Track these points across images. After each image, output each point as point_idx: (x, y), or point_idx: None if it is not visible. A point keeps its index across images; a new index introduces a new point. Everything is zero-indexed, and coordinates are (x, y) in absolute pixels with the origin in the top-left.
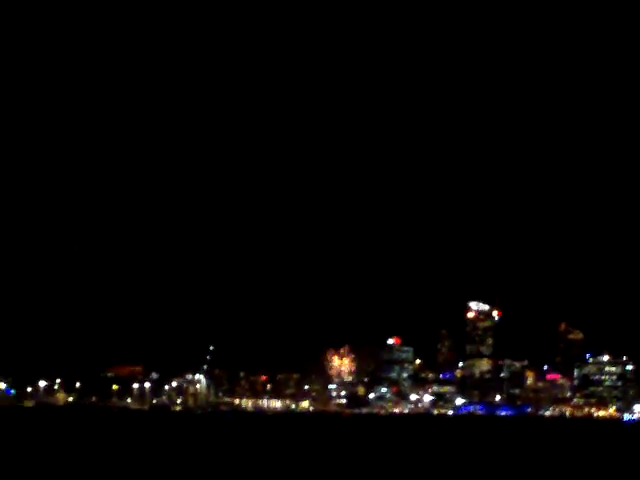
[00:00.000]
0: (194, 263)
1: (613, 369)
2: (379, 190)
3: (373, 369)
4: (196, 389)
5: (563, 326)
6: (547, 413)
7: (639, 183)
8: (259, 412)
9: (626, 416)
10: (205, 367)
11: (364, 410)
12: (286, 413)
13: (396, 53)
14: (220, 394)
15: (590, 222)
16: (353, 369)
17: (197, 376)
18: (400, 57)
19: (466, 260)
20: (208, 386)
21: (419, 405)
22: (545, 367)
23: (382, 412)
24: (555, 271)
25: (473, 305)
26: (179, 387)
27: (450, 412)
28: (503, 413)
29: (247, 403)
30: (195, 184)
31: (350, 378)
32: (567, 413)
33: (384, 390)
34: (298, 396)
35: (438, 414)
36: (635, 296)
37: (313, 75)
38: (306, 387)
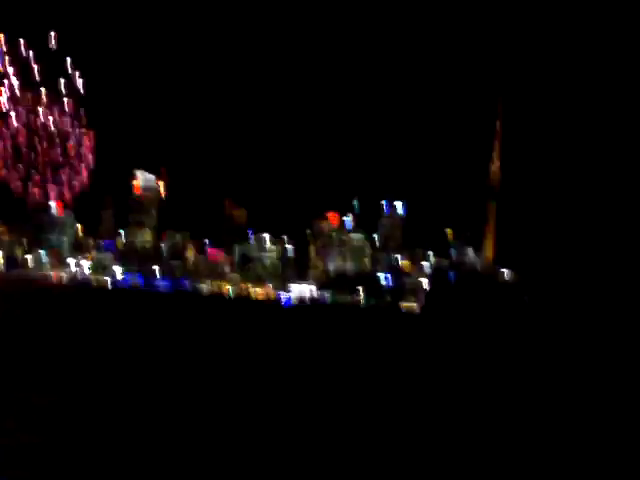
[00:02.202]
0: None
1: (272, 248)
2: None
3: (32, 231)
4: None
5: (227, 203)
6: (204, 286)
7: None
8: None
9: (282, 295)
10: None
11: (21, 271)
12: None
13: None
14: None
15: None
16: (7, 230)
17: None
18: None
19: (133, 129)
20: None
21: (77, 270)
22: (206, 241)
23: (40, 275)
24: (219, 147)
25: (139, 174)
26: None
27: (108, 279)
28: (161, 284)
29: None
30: None
31: (7, 238)
32: (225, 287)
33: (42, 253)
34: None
35: (98, 286)
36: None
37: None
38: None
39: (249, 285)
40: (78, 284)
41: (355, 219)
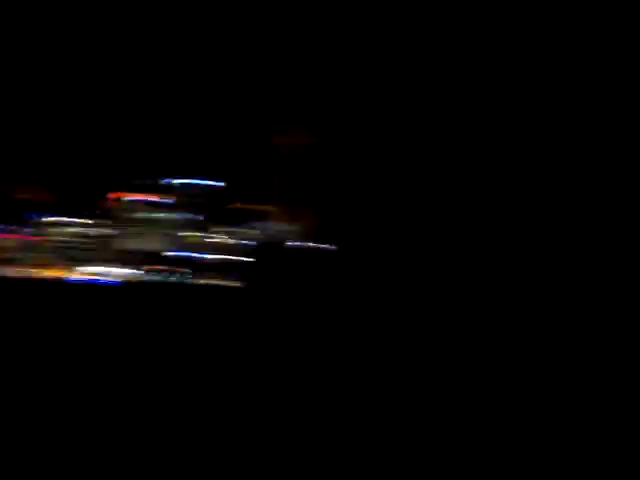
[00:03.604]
0: None
1: (70, 230)
2: None
3: None
4: None
5: (22, 186)
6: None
7: None
8: None
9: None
10: None
11: None
12: None
13: None
14: None
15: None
16: None
17: None
18: None
19: None
20: None
21: None
22: None
23: None
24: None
25: None
26: None
27: None
28: None
29: None
30: None
31: None
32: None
33: None
34: None
35: None
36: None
37: None
38: None
39: (37, 269)
40: None
41: (166, 196)
